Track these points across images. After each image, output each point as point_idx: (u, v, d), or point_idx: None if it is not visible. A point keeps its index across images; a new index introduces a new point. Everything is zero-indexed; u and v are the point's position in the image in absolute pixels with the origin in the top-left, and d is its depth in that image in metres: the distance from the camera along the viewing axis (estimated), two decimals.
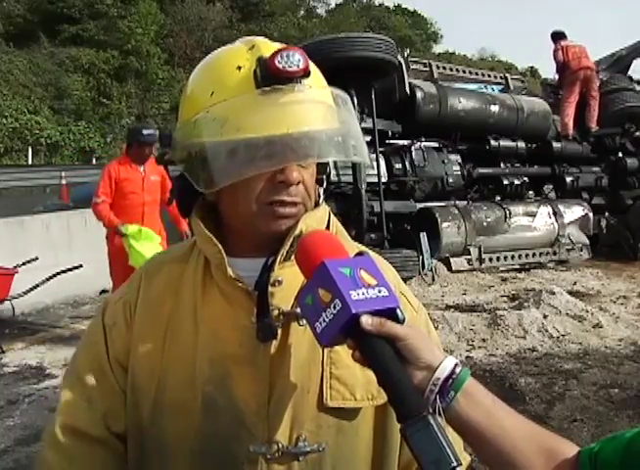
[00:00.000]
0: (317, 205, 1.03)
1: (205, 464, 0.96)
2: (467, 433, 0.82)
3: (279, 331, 0.96)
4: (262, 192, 0.94)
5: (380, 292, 0.82)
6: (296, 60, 0.91)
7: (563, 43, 9.94)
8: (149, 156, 5.52)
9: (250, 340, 0.95)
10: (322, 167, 1.04)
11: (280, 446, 0.95)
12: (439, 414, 0.79)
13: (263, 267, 0.97)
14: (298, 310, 0.96)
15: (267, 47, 0.96)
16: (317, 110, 0.94)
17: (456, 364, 0.82)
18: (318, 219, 1.00)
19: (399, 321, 0.82)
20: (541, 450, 0.81)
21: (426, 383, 0.80)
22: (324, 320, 0.80)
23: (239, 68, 0.94)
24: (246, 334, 0.95)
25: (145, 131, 5.49)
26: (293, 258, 0.96)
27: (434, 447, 0.74)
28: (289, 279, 0.98)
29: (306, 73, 0.92)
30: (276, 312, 0.96)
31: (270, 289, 0.96)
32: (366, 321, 0.79)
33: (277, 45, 0.97)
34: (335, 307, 0.79)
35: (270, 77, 0.91)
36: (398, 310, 0.83)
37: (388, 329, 0.80)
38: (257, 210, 0.95)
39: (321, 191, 1.05)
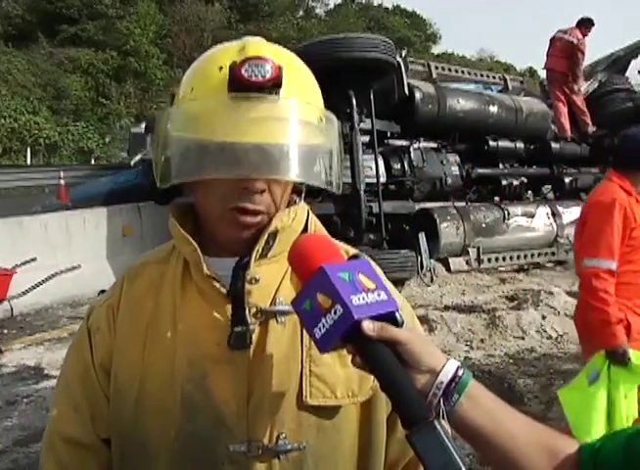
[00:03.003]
0: (289, 206, 1.02)
1: (186, 464, 0.96)
2: (471, 436, 0.82)
3: (257, 329, 0.96)
4: (226, 197, 0.94)
5: (379, 296, 0.81)
6: (264, 70, 0.90)
7: (556, 34, 9.88)
8: None
9: (227, 339, 0.95)
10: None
11: (260, 444, 0.94)
12: (443, 418, 0.78)
13: (235, 267, 0.97)
14: (276, 308, 0.97)
15: (254, 50, 0.94)
16: (280, 126, 0.92)
17: (458, 367, 0.82)
18: (294, 218, 1.00)
19: (398, 324, 0.82)
20: (544, 449, 0.81)
21: (429, 387, 0.80)
22: (323, 326, 0.79)
23: (220, 68, 0.94)
24: (223, 333, 0.95)
25: None
26: (269, 255, 0.97)
27: (442, 452, 0.74)
28: (266, 277, 0.98)
29: (276, 84, 0.91)
30: (254, 310, 0.96)
31: (247, 287, 0.96)
32: (367, 326, 0.78)
33: (266, 48, 0.96)
34: (335, 313, 0.78)
35: (237, 84, 0.90)
36: (397, 314, 0.82)
37: (389, 334, 0.80)
38: (220, 213, 0.96)
39: (298, 199, 1.05)
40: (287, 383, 0.96)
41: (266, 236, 0.96)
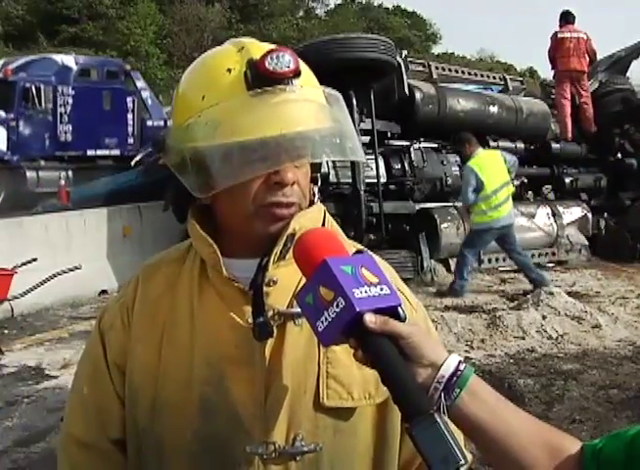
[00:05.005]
0: (312, 204, 1.03)
1: (203, 465, 0.96)
2: (471, 431, 0.82)
3: (275, 331, 0.96)
4: (258, 194, 0.94)
5: (382, 290, 0.81)
6: (286, 61, 0.91)
7: (560, 34, 9.86)
8: None
9: (246, 340, 0.95)
10: (316, 166, 1.04)
11: (277, 446, 0.94)
12: (444, 412, 0.78)
13: (258, 267, 0.97)
14: (294, 310, 0.96)
15: (257, 48, 0.96)
16: (309, 109, 0.94)
17: (460, 362, 0.82)
18: (312, 218, 1.00)
19: (401, 319, 0.82)
20: (545, 447, 0.81)
21: (430, 381, 0.80)
22: (326, 319, 0.79)
23: (229, 70, 0.94)
24: (242, 335, 0.95)
25: None
26: (287, 257, 0.97)
27: (442, 446, 0.74)
28: (283, 279, 0.98)
29: (297, 74, 0.92)
30: (271, 312, 0.96)
31: (265, 289, 0.96)
32: (370, 320, 0.79)
33: (266, 46, 0.97)
34: (337, 306, 0.78)
35: (261, 79, 0.91)
36: (400, 309, 0.82)
37: (391, 327, 0.80)
38: (254, 211, 0.95)
39: (316, 190, 1.05)
40: (303, 384, 0.96)
41: (285, 238, 0.96)
